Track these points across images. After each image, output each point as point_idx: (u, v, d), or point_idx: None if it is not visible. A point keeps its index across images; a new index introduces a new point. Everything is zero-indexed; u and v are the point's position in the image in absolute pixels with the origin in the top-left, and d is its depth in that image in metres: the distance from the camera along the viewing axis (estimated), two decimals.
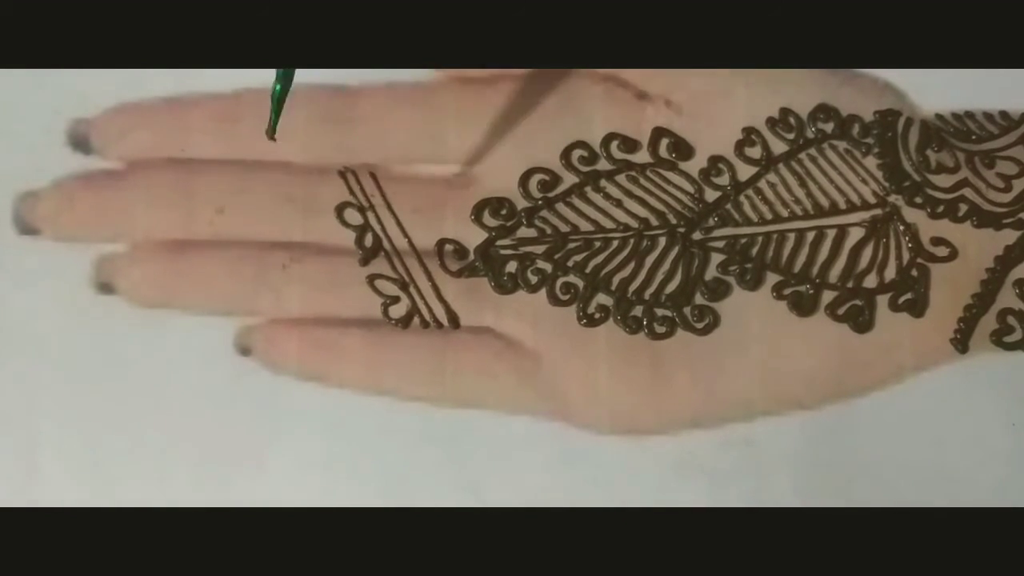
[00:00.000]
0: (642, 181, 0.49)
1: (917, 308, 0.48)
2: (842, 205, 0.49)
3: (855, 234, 0.48)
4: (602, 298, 0.48)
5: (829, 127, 0.49)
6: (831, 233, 0.48)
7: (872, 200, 0.49)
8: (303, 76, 0.48)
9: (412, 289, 0.48)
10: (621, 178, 0.49)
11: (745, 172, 0.49)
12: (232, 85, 0.49)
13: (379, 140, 0.49)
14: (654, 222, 0.48)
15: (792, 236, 0.48)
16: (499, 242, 0.48)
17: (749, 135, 0.49)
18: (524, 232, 0.48)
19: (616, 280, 0.48)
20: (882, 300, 0.48)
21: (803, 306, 0.48)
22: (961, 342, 0.48)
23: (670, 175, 0.49)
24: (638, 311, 0.48)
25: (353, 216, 0.48)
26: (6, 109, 0.49)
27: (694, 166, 0.49)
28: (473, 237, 0.48)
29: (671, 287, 0.48)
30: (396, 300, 0.48)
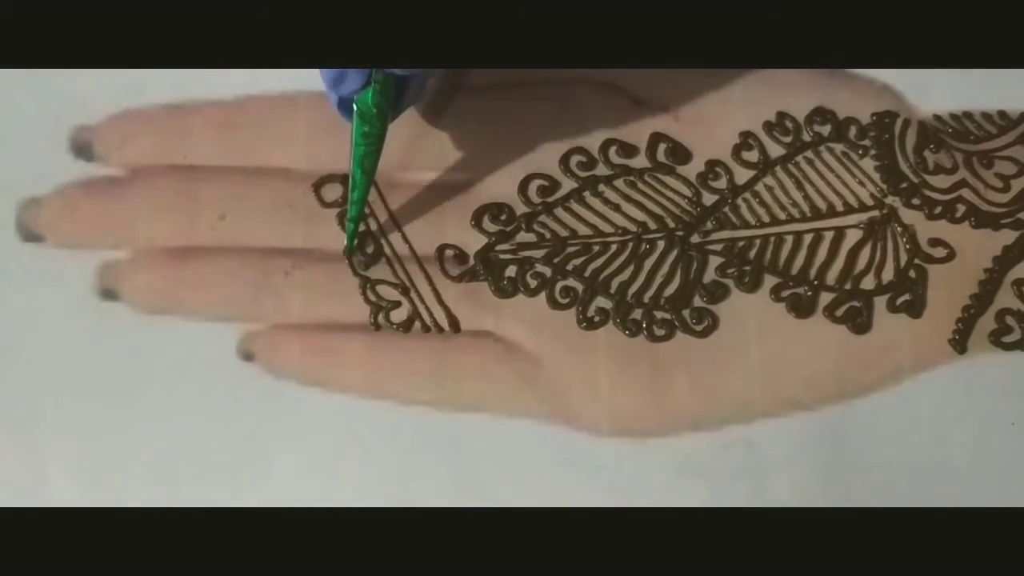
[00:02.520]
0: (640, 186, 0.49)
1: (915, 309, 0.48)
2: (839, 207, 0.49)
3: (853, 236, 0.49)
4: (601, 301, 0.48)
5: (826, 130, 0.49)
6: (829, 235, 0.49)
7: (869, 202, 0.49)
8: (304, 82, 0.48)
9: (413, 294, 0.48)
10: (619, 183, 0.49)
11: (743, 176, 0.49)
12: (234, 92, 0.50)
13: None
14: (652, 226, 0.49)
15: (790, 238, 0.49)
16: (499, 247, 0.48)
17: (746, 139, 0.49)
18: (524, 237, 0.48)
19: (615, 283, 0.48)
20: (880, 301, 0.48)
21: (801, 308, 0.48)
22: (959, 342, 0.48)
23: (668, 179, 0.49)
24: (637, 314, 0.48)
25: None
26: (9, 117, 0.50)
27: (692, 170, 0.49)
28: (473, 242, 0.48)
29: (670, 290, 0.48)
30: (397, 305, 0.48)
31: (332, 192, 0.49)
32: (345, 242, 0.48)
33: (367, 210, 0.48)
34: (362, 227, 0.48)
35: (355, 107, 0.45)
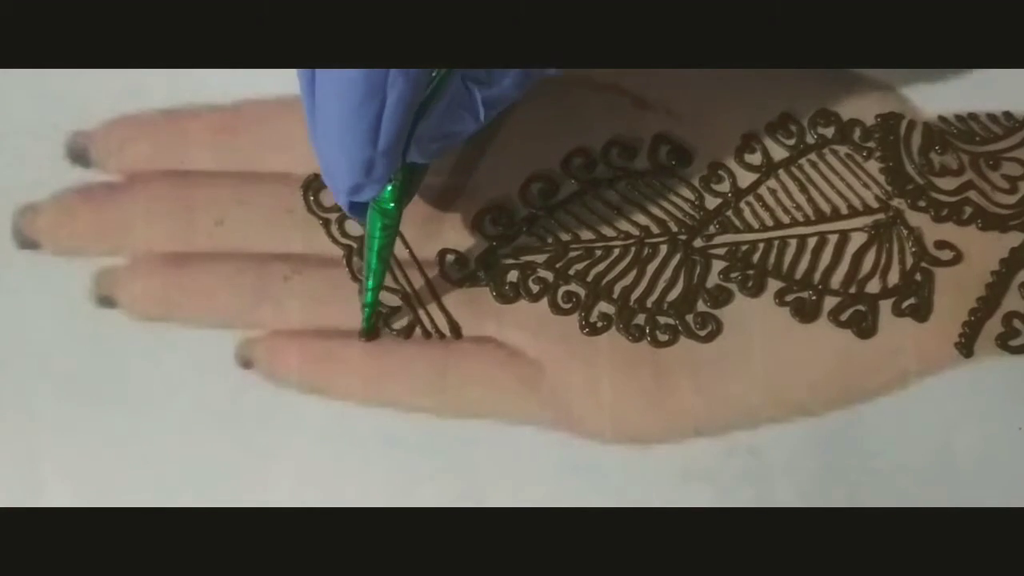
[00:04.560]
0: (642, 189, 0.48)
1: (921, 313, 0.48)
2: (844, 210, 0.48)
3: (857, 239, 0.48)
4: (604, 306, 0.48)
5: (830, 132, 0.49)
6: (833, 238, 0.48)
7: (874, 204, 0.49)
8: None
9: (414, 299, 0.48)
10: (621, 186, 0.49)
11: (746, 178, 0.49)
12: (231, 96, 0.49)
13: None
14: (655, 230, 0.48)
15: (794, 242, 0.48)
16: (500, 251, 0.48)
17: (749, 141, 0.49)
18: (525, 241, 0.48)
19: (618, 288, 0.48)
20: (885, 305, 0.48)
21: (806, 312, 0.47)
22: (966, 346, 0.47)
23: (670, 182, 0.49)
24: (640, 319, 0.47)
25: (354, 227, 0.48)
26: (5, 122, 0.49)
27: (694, 173, 0.49)
28: (474, 246, 0.48)
29: (673, 295, 0.48)
30: (398, 310, 0.48)
31: (331, 197, 0.48)
32: (363, 324, 0.47)
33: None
34: (361, 231, 0.48)
35: (376, 206, 0.44)
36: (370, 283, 0.46)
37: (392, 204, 0.44)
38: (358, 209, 0.44)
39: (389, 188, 0.44)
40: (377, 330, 0.47)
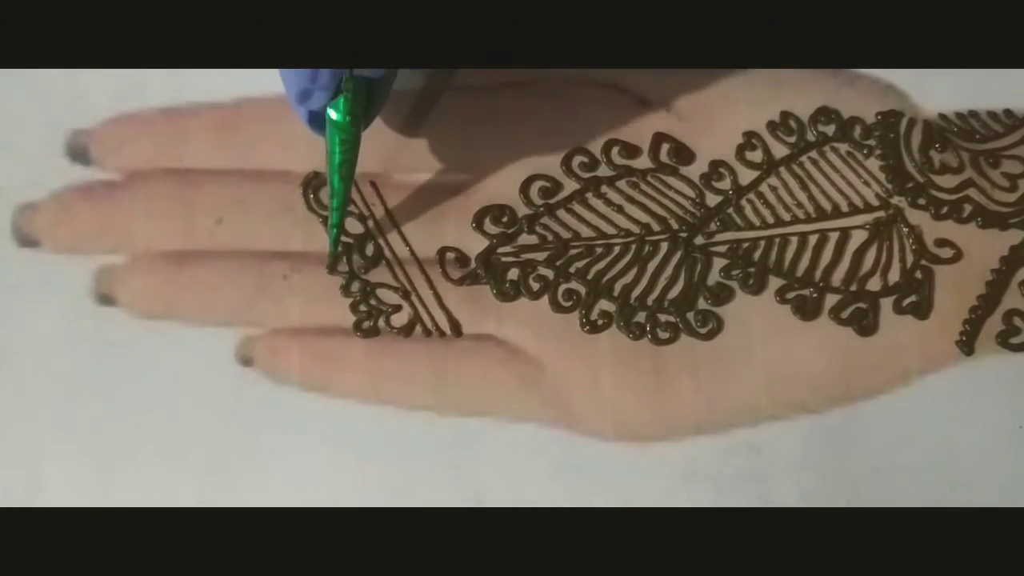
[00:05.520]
0: (643, 187, 0.48)
1: (922, 310, 0.48)
2: (844, 208, 0.48)
3: (858, 237, 0.48)
4: (605, 304, 0.48)
5: (830, 129, 0.49)
6: (834, 236, 0.48)
7: (875, 202, 0.49)
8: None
9: (414, 297, 0.48)
10: (622, 184, 0.48)
11: (746, 176, 0.49)
12: (231, 94, 0.49)
13: (379, 148, 0.48)
14: (656, 227, 0.48)
15: (795, 240, 0.48)
16: (500, 249, 0.48)
17: (750, 139, 0.49)
18: (525, 239, 0.48)
19: (618, 286, 0.48)
20: (886, 303, 0.48)
21: (806, 310, 0.47)
22: (967, 344, 0.47)
23: (671, 180, 0.49)
24: (641, 317, 0.47)
25: (354, 225, 0.48)
26: (5, 122, 0.49)
27: (695, 171, 0.49)
28: (474, 245, 0.48)
29: (674, 292, 0.48)
30: (398, 309, 0.48)
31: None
32: (329, 248, 0.47)
33: (366, 212, 0.48)
34: (361, 230, 0.48)
35: (329, 118, 0.44)
36: (334, 203, 0.46)
37: (347, 118, 0.44)
38: (317, 123, 0.45)
39: (342, 100, 0.44)
40: (376, 327, 0.47)
